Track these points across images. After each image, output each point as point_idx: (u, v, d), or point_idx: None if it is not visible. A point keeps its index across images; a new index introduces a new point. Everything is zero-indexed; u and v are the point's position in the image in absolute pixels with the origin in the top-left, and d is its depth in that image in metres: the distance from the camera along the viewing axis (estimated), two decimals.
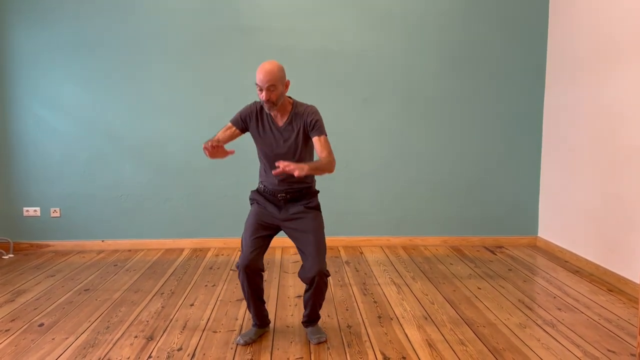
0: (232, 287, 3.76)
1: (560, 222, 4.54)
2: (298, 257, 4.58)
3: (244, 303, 3.44)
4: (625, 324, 3.08)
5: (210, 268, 4.24)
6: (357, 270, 4.16)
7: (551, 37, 4.69)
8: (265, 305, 2.93)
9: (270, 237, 2.86)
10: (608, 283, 3.81)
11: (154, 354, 2.72)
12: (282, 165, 2.43)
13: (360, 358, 2.66)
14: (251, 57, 4.67)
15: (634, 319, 3.13)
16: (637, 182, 3.50)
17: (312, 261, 2.66)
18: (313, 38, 4.72)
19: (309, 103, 2.74)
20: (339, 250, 4.76)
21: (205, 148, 2.55)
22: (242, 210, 4.84)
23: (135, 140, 4.77)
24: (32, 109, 4.68)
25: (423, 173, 4.87)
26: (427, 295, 3.59)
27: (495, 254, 4.62)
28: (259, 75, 2.57)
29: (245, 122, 2.78)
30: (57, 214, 4.79)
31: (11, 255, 4.65)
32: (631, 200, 3.57)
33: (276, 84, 2.58)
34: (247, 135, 2.86)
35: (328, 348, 2.78)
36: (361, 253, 4.67)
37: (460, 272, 4.11)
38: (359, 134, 4.82)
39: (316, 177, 2.88)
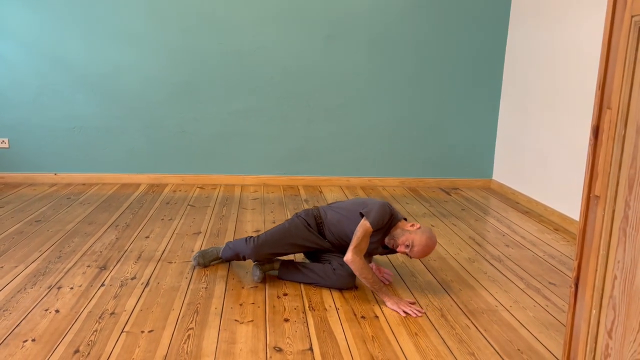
0: (189, 222, 3.74)
1: (514, 165, 4.66)
2: (257, 194, 4.59)
3: (201, 236, 3.45)
4: (567, 259, 3.25)
5: (167, 203, 4.19)
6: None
7: None
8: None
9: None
10: (554, 223, 3.97)
11: (107, 282, 2.71)
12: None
13: (314, 287, 2.72)
14: None
15: (575, 255, 3.29)
16: (588, 126, 3.59)
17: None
18: None
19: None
20: (299, 189, 4.77)
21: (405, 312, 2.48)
22: (200, 147, 4.80)
23: (89, 70, 4.55)
24: None
25: (384, 114, 4.87)
26: None
27: (450, 195, 4.73)
28: (424, 253, 2.56)
29: None
30: (6, 145, 4.60)
31: None
32: (580, 145, 3.67)
33: None
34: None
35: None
36: (320, 192, 4.70)
37: (416, 210, 4.21)
38: (320, 71, 4.74)
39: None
